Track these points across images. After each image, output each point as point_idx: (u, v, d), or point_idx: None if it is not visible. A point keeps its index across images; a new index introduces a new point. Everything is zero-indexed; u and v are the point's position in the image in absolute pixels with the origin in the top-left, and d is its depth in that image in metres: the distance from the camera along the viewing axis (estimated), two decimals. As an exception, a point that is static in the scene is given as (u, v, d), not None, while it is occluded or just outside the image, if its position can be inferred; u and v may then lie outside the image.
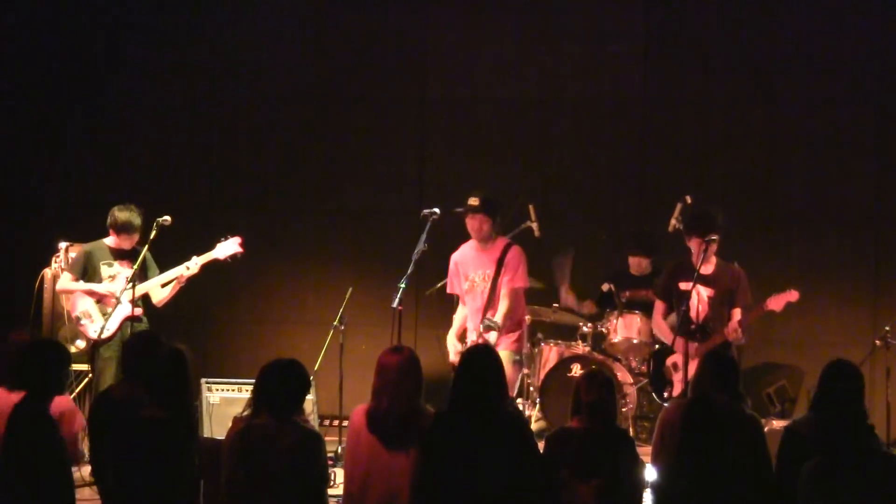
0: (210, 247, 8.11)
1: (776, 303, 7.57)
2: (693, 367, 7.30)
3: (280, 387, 5.26)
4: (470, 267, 7.66)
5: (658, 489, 5.16)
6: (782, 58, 9.64)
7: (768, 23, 9.67)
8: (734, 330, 7.57)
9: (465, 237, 7.88)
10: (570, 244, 9.24)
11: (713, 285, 7.71)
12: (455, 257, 7.75)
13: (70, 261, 8.34)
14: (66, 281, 8.13)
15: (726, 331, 7.59)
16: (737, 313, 7.70)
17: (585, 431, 5.26)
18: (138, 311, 7.83)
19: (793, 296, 7.56)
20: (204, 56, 10.15)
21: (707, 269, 7.70)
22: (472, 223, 7.58)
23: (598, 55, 9.86)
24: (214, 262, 8.09)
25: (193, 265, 7.96)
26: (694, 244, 7.74)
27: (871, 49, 9.54)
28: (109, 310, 7.84)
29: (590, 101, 9.87)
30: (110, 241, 8.09)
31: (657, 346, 8.36)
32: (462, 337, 7.77)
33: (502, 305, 7.55)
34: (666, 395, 7.95)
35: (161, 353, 5.61)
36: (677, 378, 7.72)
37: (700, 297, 7.70)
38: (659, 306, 8.02)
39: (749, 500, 4.97)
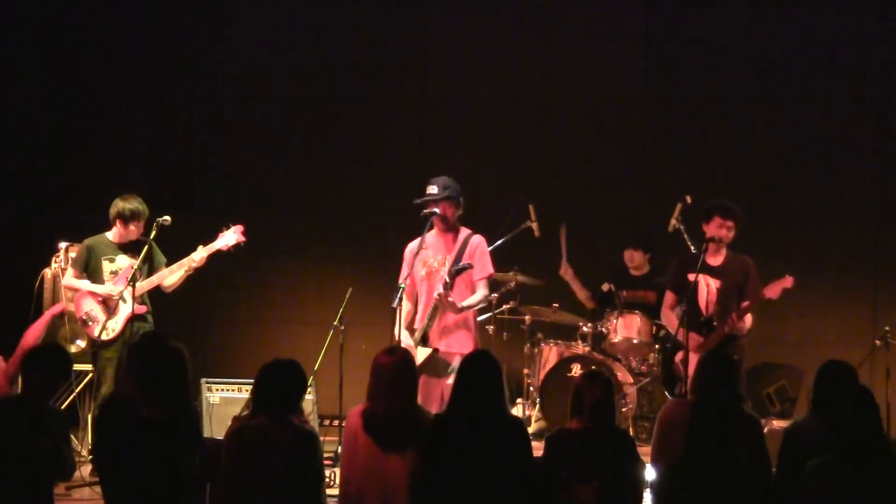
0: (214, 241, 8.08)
1: (772, 291, 7.51)
2: (694, 360, 7.30)
3: (277, 387, 5.26)
4: (430, 251, 7.30)
5: (658, 489, 5.15)
6: (782, 58, 9.65)
7: (768, 23, 9.68)
8: (732, 322, 7.54)
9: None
10: (569, 244, 9.24)
11: (721, 277, 7.66)
12: (411, 245, 7.35)
13: (72, 258, 8.33)
14: (68, 277, 8.12)
15: (728, 323, 7.54)
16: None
17: (586, 432, 5.26)
18: (142, 308, 7.81)
19: (787, 282, 7.50)
20: (204, 56, 10.15)
21: (716, 260, 7.66)
22: (433, 210, 7.32)
23: (598, 55, 9.87)
24: (217, 254, 8.04)
25: (198, 256, 7.91)
26: (713, 226, 7.66)
27: (871, 49, 9.54)
28: (121, 305, 7.82)
29: (590, 101, 9.87)
30: (113, 234, 8.04)
31: (668, 345, 8.33)
32: (410, 326, 7.31)
33: (480, 292, 7.24)
34: (677, 391, 7.89)
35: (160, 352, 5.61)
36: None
37: (709, 289, 7.67)
38: (668, 298, 7.89)
39: (749, 500, 4.96)
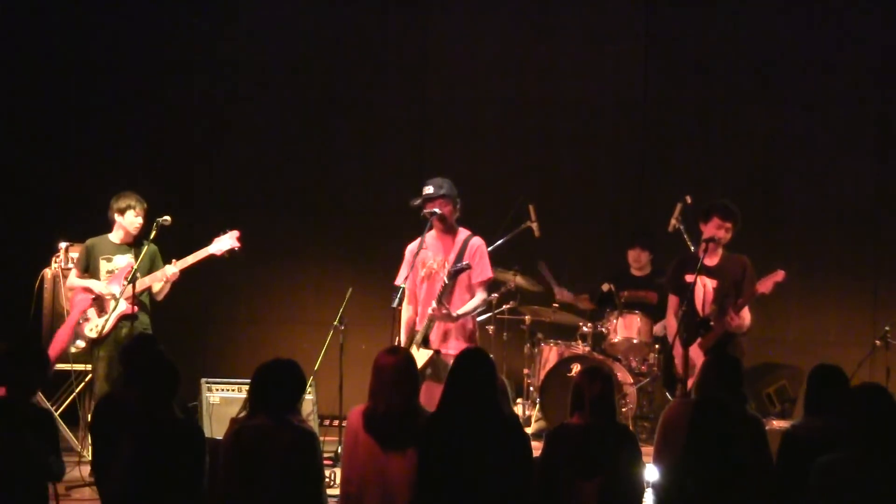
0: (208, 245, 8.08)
1: (764, 285, 7.50)
2: (693, 360, 7.31)
3: (275, 387, 5.26)
4: (430, 253, 7.32)
5: (660, 489, 5.15)
6: (782, 58, 9.65)
7: (768, 23, 9.68)
8: (731, 318, 7.53)
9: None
10: (570, 244, 9.25)
11: (718, 277, 7.66)
12: (411, 247, 7.37)
13: (75, 258, 8.35)
14: (71, 277, 8.15)
15: (726, 321, 7.54)
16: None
17: (587, 427, 5.25)
18: (134, 308, 7.80)
19: (779, 276, 7.48)
20: (203, 56, 10.14)
21: (712, 260, 7.66)
22: (433, 210, 7.24)
23: (598, 55, 9.87)
24: (212, 259, 8.04)
25: (171, 271, 7.90)
26: (711, 226, 7.65)
27: (871, 49, 9.55)
28: (112, 304, 7.83)
29: (590, 101, 9.87)
30: (115, 235, 8.08)
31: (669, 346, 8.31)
32: (412, 331, 7.32)
33: (478, 297, 7.27)
34: (678, 392, 7.88)
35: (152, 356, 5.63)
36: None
37: (706, 290, 7.66)
38: (672, 301, 7.82)
39: (752, 500, 4.96)
